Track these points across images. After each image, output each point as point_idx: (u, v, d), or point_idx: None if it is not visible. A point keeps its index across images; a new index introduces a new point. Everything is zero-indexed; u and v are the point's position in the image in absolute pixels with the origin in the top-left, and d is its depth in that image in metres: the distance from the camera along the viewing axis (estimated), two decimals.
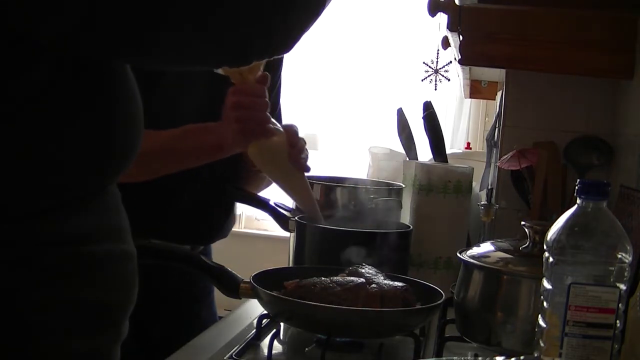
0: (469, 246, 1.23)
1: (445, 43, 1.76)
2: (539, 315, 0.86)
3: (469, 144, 3.14)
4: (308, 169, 1.35)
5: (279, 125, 1.30)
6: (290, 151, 1.30)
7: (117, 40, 0.71)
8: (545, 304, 0.84)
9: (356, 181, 1.61)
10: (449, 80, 3.58)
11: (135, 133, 0.83)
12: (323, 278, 1.13)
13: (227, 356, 1.05)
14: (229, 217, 1.48)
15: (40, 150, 0.74)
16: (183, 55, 0.76)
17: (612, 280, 0.81)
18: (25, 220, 0.74)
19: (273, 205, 1.50)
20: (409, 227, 1.46)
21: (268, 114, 1.27)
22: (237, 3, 0.70)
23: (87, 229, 0.79)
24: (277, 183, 1.37)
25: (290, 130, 1.32)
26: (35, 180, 0.74)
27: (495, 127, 1.80)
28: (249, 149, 1.28)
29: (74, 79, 0.74)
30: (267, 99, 1.26)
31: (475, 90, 2.41)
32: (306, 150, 1.35)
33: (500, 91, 1.97)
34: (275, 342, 1.12)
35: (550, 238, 0.83)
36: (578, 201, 0.83)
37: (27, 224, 0.74)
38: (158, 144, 1.24)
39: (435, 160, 1.68)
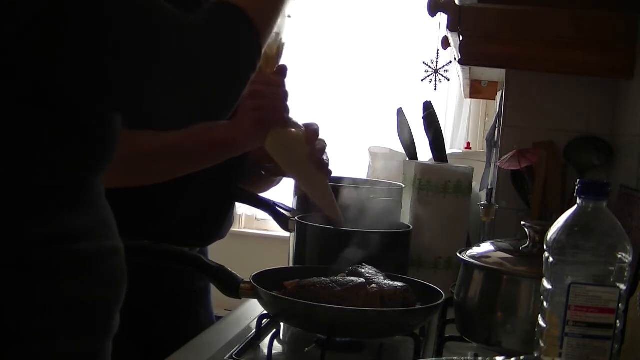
0: (469, 246, 1.23)
1: (445, 43, 1.77)
2: (539, 315, 0.86)
3: (469, 144, 3.14)
4: (329, 172, 1.30)
5: (299, 123, 1.28)
6: (311, 150, 1.26)
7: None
8: (545, 304, 0.84)
9: (356, 181, 1.61)
10: (448, 80, 3.58)
11: (114, 128, 0.84)
12: (323, 278, 1.13)
13: (227, 356, 1.05)
14: (228, 218, 1.48)
15: (19, 150, 0.74)
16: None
17: (612, 280, 0.81)
18: (8, 220, 0.74)
19: (273, 205, 1.50)
20: (409, 227, 1.46)
21: (288, 104, 1.23)
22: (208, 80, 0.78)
23: (72, 226, 0.79)
24: (296, 179, 1.32)
25: (311, 128, 1.27)
26: (15, 179, 0.74)
27: (495, 127, 1.80)
28: (267, 139, 1.22)
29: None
30: (286, 89, 1.22)
31: (475, 90, 2.41)
32: (327, 153, 1.31)
33: (500, 91, 1.97)
34: (275, 342, 1.12)
35: (550, 238, 0.83)
36: (578, 201, 0.83)
37: (11, 223, 0.74)
38: (163, 143, 1.20)
39: (435, 160, 1.68)
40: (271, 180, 1.49)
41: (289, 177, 1.44)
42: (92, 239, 0.81)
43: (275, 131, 1.22)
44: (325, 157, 1.30)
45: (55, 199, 0.77)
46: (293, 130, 1.24)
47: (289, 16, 1.21)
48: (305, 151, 1.24)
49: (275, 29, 1.21)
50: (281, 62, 1.32)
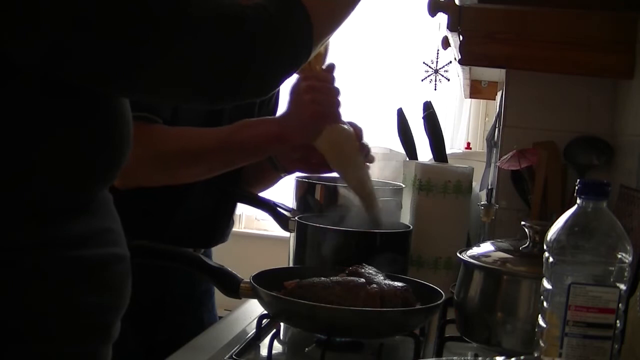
0: (469, 246, 1.23)
1: (445, 43, 1.77)
2: (539, 315, 0.86)
3: (469, 144, 3.14)
4: (373, 159, 1.37)
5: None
6: (360, 145, 1.31)
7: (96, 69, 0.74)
8: (545, 304, 0.84)
9: None
10: (448, 80, 3.58)
11: (124, 140, 0.83)
12: (323, 278, 1.13)
13: (227, 356, 1.05)
14: (231, 220, 1.48)
15: (27, 159, 0.74)
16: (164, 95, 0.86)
17: (612, 280, 0.81)
18: (13, 225, 0.74)
19: (273, 205, 1.50)
20: (409, 227, 1.46)
21: (340, 101, 1.27)
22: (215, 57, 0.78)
23: (78, 233, 0.79)
24: (342, 174, 1.33)
25: (357, 125, 1.34)
26: (20, 187, 0.74)
27: (495, 127, 1.80)
28: (322, 135, 1.25)
29: (52, 93, 0.75)
30: (338, 86, 1.27)
31: (475, 90, 2.41)
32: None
33: (500, 91, 1.97)
34: (275, 342, 1.12)
35: (550, 238, 0.83)
36: (578, 201, 0.83)
37: (16, 229, 0.74)
38: (214, 140, 1.23)
39: (435, 160, 1.68)
40: (272, 177, 1.50)
41: (293, 172, 1.46)
42: (94, 246, 0.80)
43: (331, 127, 1.25)
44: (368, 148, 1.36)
45: (57, 206, 0.77)
46: (345, 126, 1.28)
47: None
48: (357, 146, 1.30)
49: None
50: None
